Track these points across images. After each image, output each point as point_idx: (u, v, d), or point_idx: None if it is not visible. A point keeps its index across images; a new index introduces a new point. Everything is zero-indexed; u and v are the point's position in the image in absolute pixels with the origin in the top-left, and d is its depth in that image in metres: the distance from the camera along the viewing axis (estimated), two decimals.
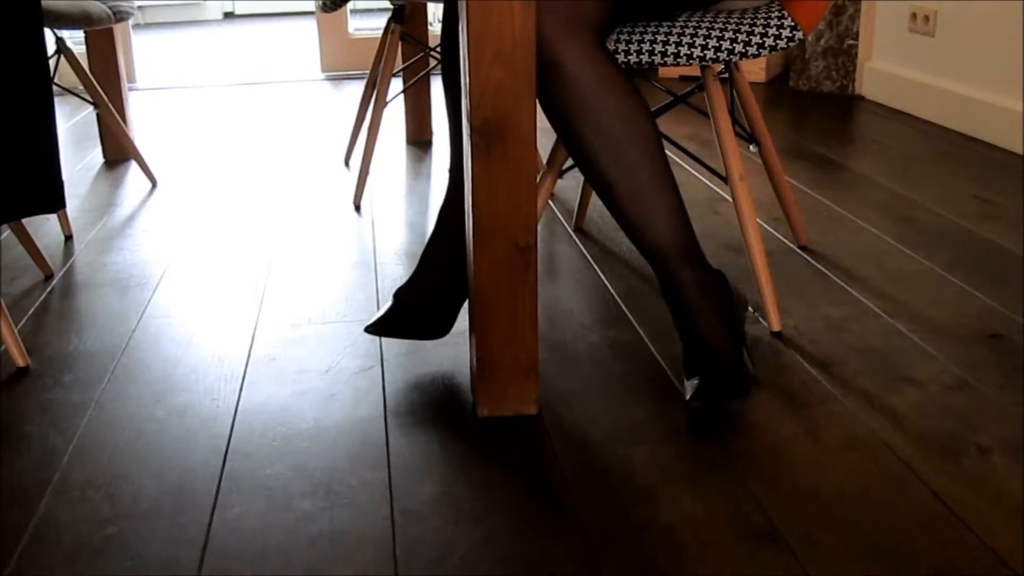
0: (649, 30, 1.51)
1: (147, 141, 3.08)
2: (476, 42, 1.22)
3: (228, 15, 6.49)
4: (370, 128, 2.34)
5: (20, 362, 1.57)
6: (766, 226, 2.13)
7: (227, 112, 3.53)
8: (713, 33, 1.48)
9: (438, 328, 1.55)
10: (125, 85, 2.72)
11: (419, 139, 2.95)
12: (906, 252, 1.96)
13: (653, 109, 1.79)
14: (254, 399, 1.46)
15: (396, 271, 1.94)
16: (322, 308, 1.77)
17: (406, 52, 2.77)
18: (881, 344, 1.58)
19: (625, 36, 1.51)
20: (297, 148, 2.96)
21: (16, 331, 1.59)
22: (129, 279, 1.93)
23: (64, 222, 2.18)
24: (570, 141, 1.43)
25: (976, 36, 2.84)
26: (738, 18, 1.51)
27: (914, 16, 3.13)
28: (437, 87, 3.09)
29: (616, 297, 1.79)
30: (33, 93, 1.22)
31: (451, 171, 1.54)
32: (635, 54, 1.50)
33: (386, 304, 1.56)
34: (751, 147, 1.86)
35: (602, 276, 1.88)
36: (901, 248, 1.98)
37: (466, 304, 1.49)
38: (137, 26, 6.20)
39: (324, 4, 2.22)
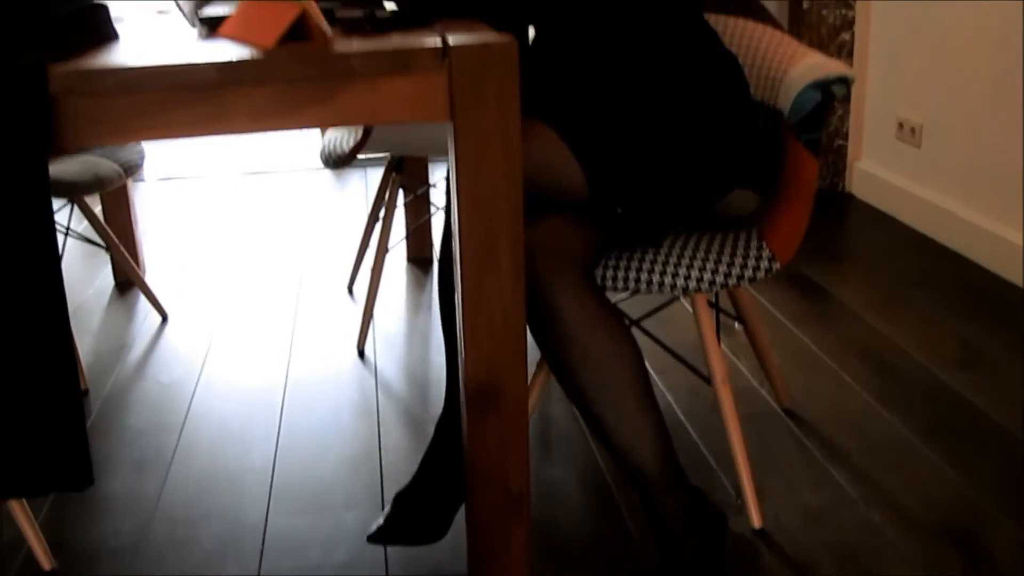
0: (636, 257, 1.60)
1: (155, 261, 3.18)
2: (470, 318, 1.32)
3: None
4: (372, 273, 2.44)
5: (46, 565, 1.66)
6: (751, 379, 2.22)
7: (231, 214, 3.63)
8: (695, 263, 1.58)
9: (436, 533, 1.64)
10: (137, 225, 2.83)
11: (419, 256, 3.04)
12: (885, 415, 2.06)
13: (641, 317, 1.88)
14: None
15: (400, 442, 2.04)
16: (329, 491, 1.87)
17: (407, 188, 2.86)
18: (855, 540, 1.68)
19: (612, 262, 1.61)
20: (301, 264, 3.05)
21: (38, 528, 1.69)
22: (145, 450, 2.03)
23: (80, 376, 2.27)
24: (559, 372, 1.52)
25: (961, 154, 2.93)
26: (719, 247, 1.61)
27: (901, 126, 3.23)
28: (436, 199, 3.18)
29: (606, 475, 1.89)
30: (54, 368, 1.30)
31: (447, 388, 1.64)
32: (622, 281, 1.59)
33: (387, 508, 1.66)
34: (736, 324, 1.96)
35: (594, 448, 1.98)
36: (881, 410, 2.08)
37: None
38: None
39: (327, 162, 2.32)
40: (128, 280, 2.91)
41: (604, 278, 1.60)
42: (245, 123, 1.20)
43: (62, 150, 2.38)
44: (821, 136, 1.57)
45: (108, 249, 2.57)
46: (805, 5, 3.43)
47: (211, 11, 1.54)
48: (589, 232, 1.56)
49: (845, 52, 3.43)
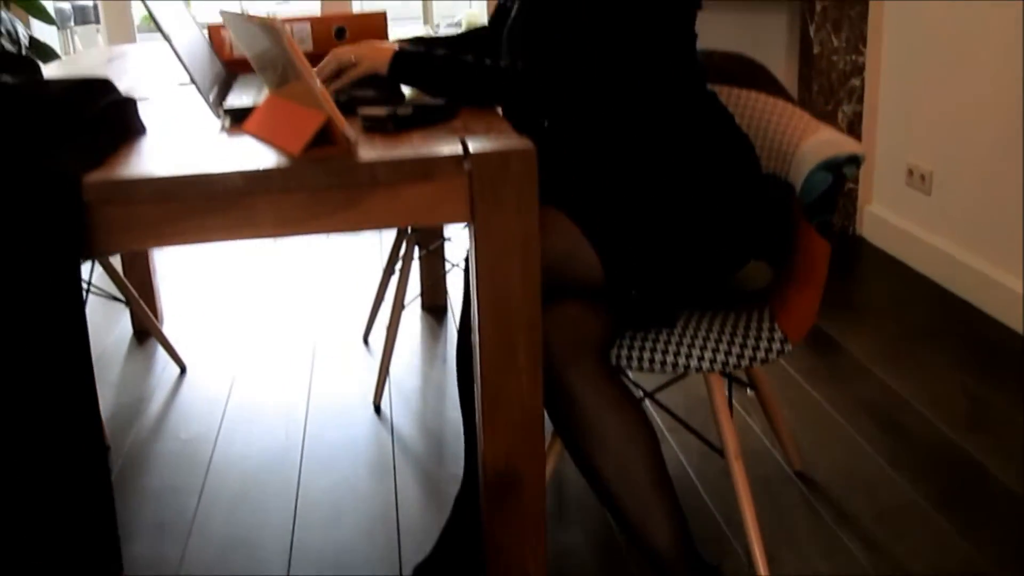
0: (650, 337, 1.63)
1: (173, 309, 3.22)
2: (489, 412, 1.35)
3: None
4: (388, 330, 2.47)
5: None
6: (763, 438, 2.25)
7: (246, 263, 3.68)
8: (708, 344, 1.61)
9: None
10: (156, 279, 2.87)
11: (434, 304, 3.07)
12: (895, 479, 2.08)
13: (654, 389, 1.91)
14: None
15: (417, 502, 2.07)
16: (348, 554, 1.90)
17: (422, 243, 2.88)
18: None
19: (627, 342, 1.64)
20: (317, 314, 3.09)
21: None
22: (165, 511, 2.06)
23: (101, 431, 2.31)
24: (575, 455, 1.55)
25: (971, 202, 2.96)
26: (732, 327, 1.64)
27: (911, 172, 3.26)
28: (450, 252, 3.22)
29: (619, 538, 1.91)
30: (84, 462, 1.34)
31: (466, 464, 1.67)
32: (637, 361, 1.62)
33: None
34: (748, 391, 1.98)
35: (610, 516, 2.00)
36: (891, 473, 2.10)
37: None
38: None
39: None
40: (146, 330, 2.94)
41: (619, 357, 1.63)
42: (272, 228, 1.24)
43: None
44: (833, 218, 1.60)
45: (128, 303, 2.61)
46: (815, 50, 3.47)
47: (235, 101, 1.58)
48: (604, 316, 1.59)
49: (855, 97, 3.46)
